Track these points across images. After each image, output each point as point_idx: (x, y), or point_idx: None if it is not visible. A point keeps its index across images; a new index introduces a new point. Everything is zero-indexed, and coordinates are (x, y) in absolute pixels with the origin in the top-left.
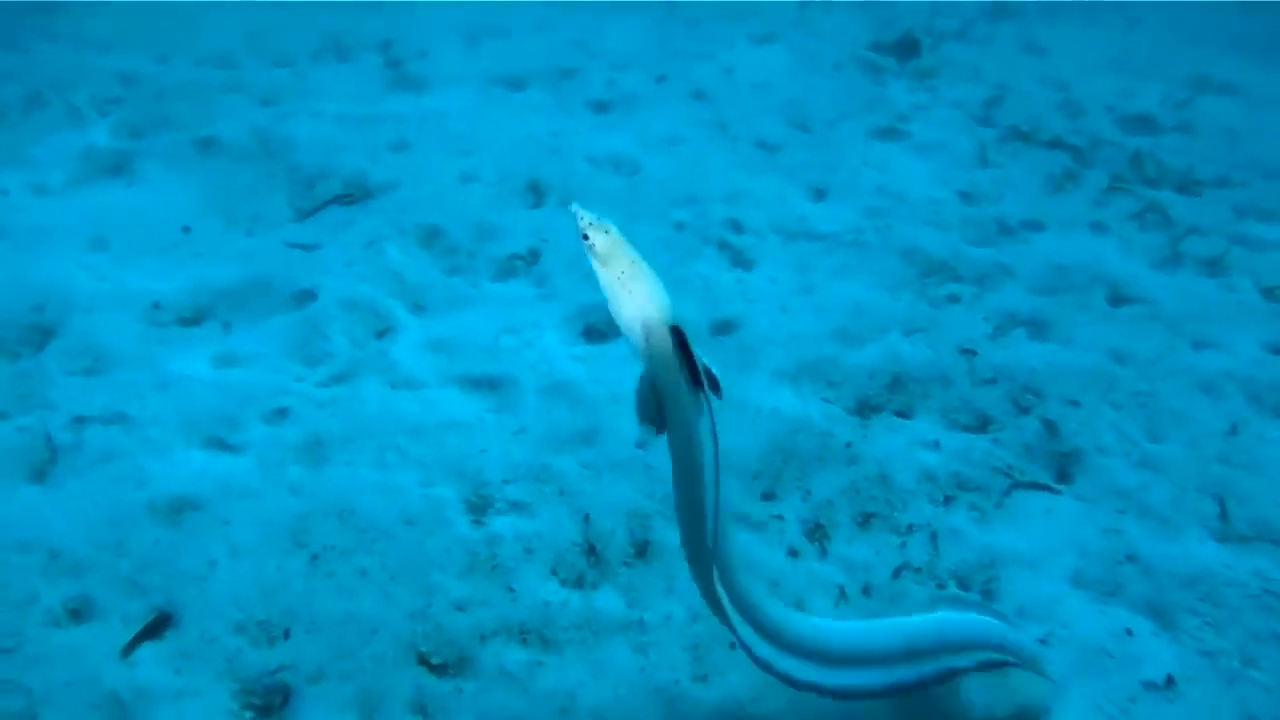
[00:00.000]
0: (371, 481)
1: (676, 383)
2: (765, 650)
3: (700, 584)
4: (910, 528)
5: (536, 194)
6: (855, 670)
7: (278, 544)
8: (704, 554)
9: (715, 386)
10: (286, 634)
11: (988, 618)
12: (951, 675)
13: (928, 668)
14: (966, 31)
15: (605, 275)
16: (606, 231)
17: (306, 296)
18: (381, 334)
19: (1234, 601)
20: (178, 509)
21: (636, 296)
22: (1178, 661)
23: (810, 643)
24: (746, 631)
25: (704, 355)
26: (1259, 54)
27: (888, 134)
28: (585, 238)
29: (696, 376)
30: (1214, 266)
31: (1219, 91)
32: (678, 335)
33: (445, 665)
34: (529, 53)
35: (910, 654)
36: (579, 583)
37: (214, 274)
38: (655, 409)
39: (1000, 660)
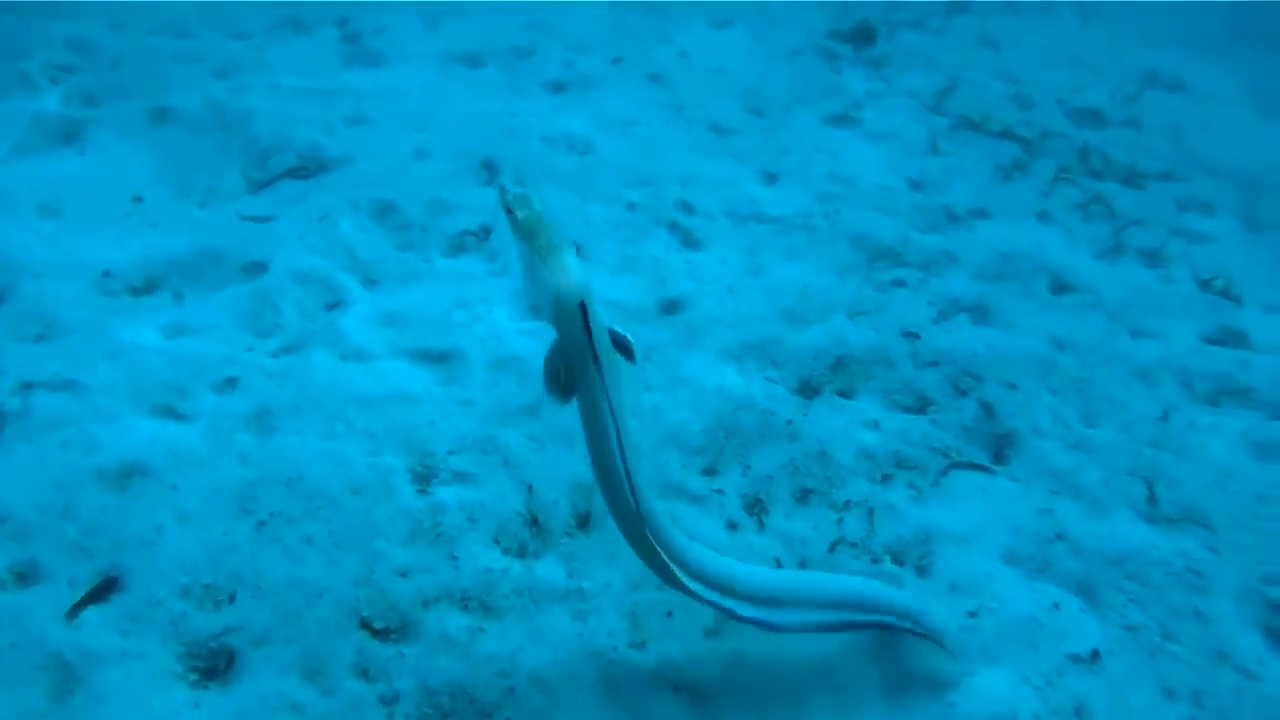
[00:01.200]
0: (319, 450)
1: (582, 356)
2: (692, 584)
3: (627, 534)
4: (848, 504)
5: (490, 171)
6: (767, 608)
7: (225, 510)
8: (626, 509)
9: (628, 353)
10: (232, 598)
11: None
12: (851, 627)
13: (830, 616)
14: (922, 22)
15: (522, 249)
16: (530, 207)
17: (258, 268)
18: (332, 306)
19: (1158, 580)
20: (126, 475)
21: (549, 271)
22: (1102, 636)
23: (729, 581)
24: (675, 569)
25: (618, 325)
26: (1207, 51)
27: (841, 120)
28: (508, 211)
29: (596, 351)
30: (1153, 258)
31: (1167, 88)
32: (583, 310)
33: (388, 630)
34: (487, 32)
35: (818, 602)
36: (521, 552)
37: (166, 244)
38: (562, 380)
39: (903, 627)
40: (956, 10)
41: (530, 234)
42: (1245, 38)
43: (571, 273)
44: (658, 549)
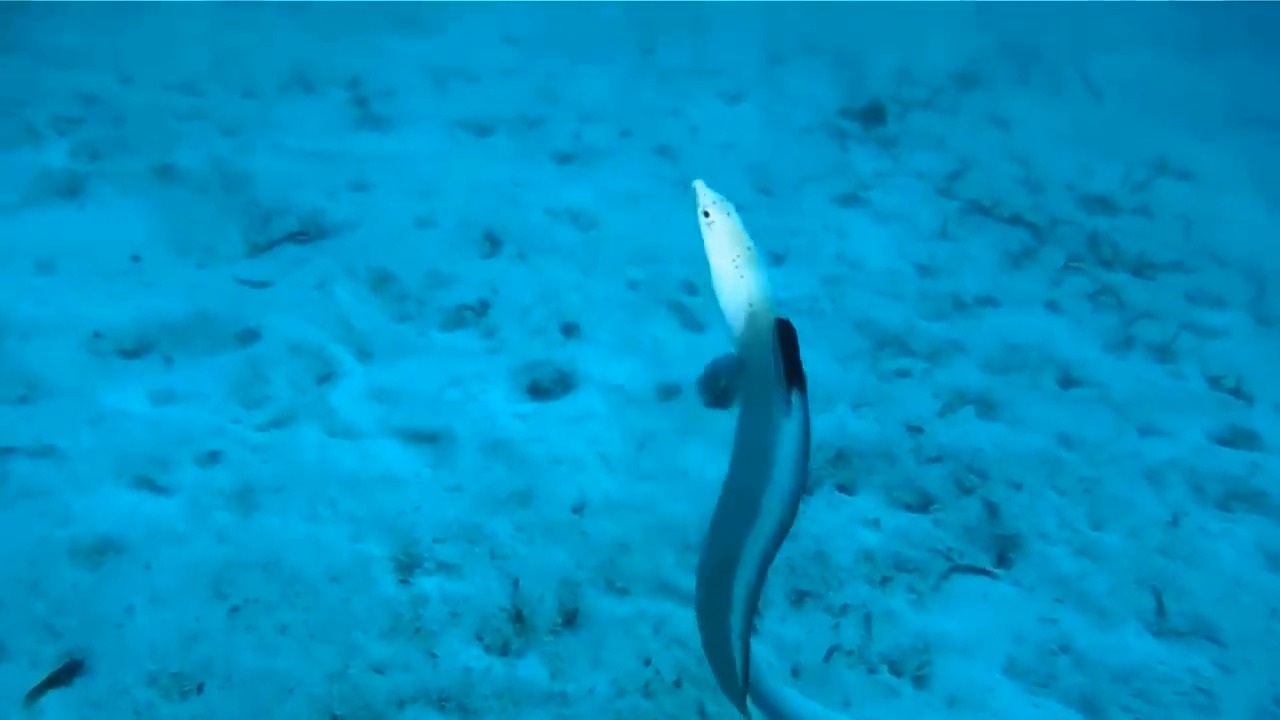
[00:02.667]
0: (301, 533)
1: (767, 373)
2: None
3: (710, 606)
4: (845, 608)
5: (492, 243)
6: None
7: (200, 593)
8: (727, 582)
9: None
10: (200, 688)
11: None
12: None
13: None
14: (934, 101)
15: (719, 257)
16: (729, 213)
17: (251, 336)
18: (324, 379)
19: (1167, 698)
20: (100, 550)
21: (747, 282)
22: None
23: None
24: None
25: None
26: (1215, 133)
27: (850, 201)
28: (705, 214)
29: (795, 374)
30: (1163, 352)
31: (1177, 176)
32: (784, 328)
33: None
34: (497, 98)
35: None
36: (504, 650)
37: (160, 306)
38: (722, 389)
39: None
40: (968, 86)
41: (727, 241)
42: (1243, 122)
43: (768, 289)
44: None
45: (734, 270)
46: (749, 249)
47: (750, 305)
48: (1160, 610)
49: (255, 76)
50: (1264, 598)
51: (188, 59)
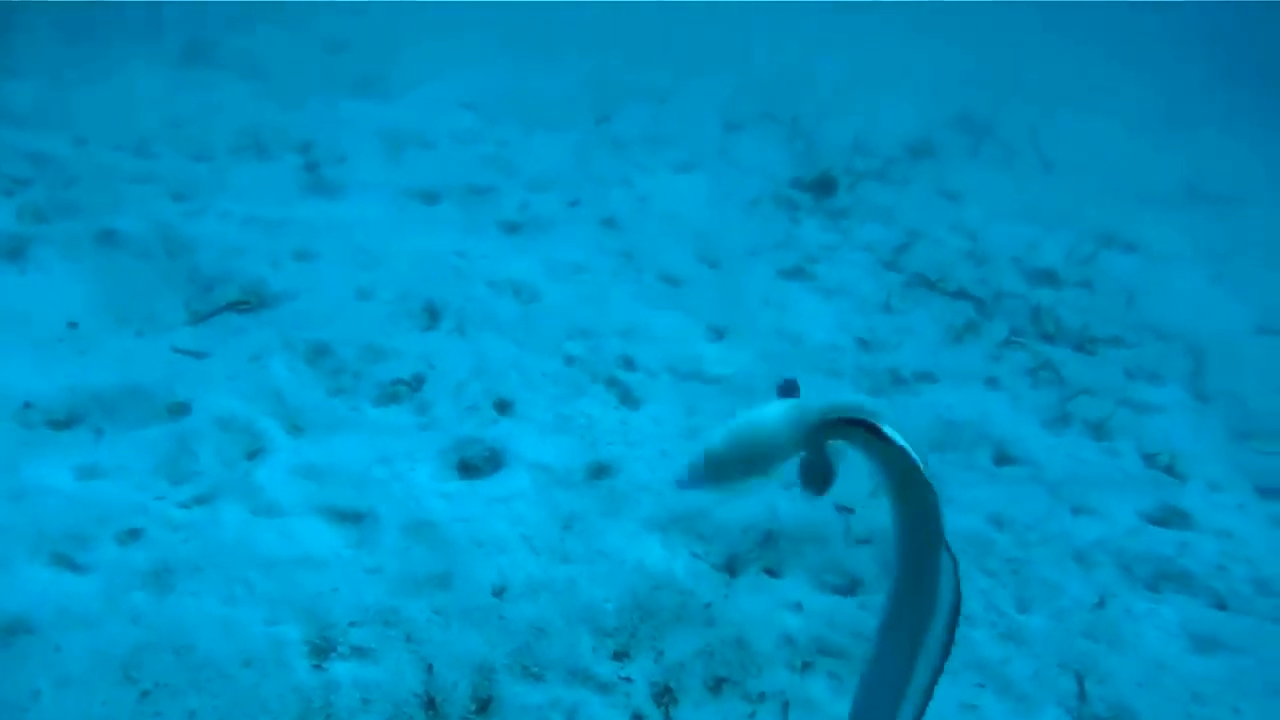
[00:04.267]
0: (216, 615)
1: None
2: None
3: None
4: (762, 695)
5: (431, 316)
6: None
7: (109, 677)
8: None
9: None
10: None
11: None
12: None
13: None
14: (886, 172)
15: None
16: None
17: (183, 409)
18: (253, 455)
19: None
20: (10, 631)
21: None
22: None
23: None
24: None
25: None
26: (1166, 210)
27: (795, 274)
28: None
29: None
30: (1099, 430)
31: (1123, 248)
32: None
33: None
34: (448, 165)
35: None
36: None
37: (94, 376)
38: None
39: None
40: (921, 156)
41: None
42: (1203, 199)
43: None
44: None
45: None
46: None
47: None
48: (1081, 695)
49: (209, 140)
50: (1185, 682)
51: (142, 121)
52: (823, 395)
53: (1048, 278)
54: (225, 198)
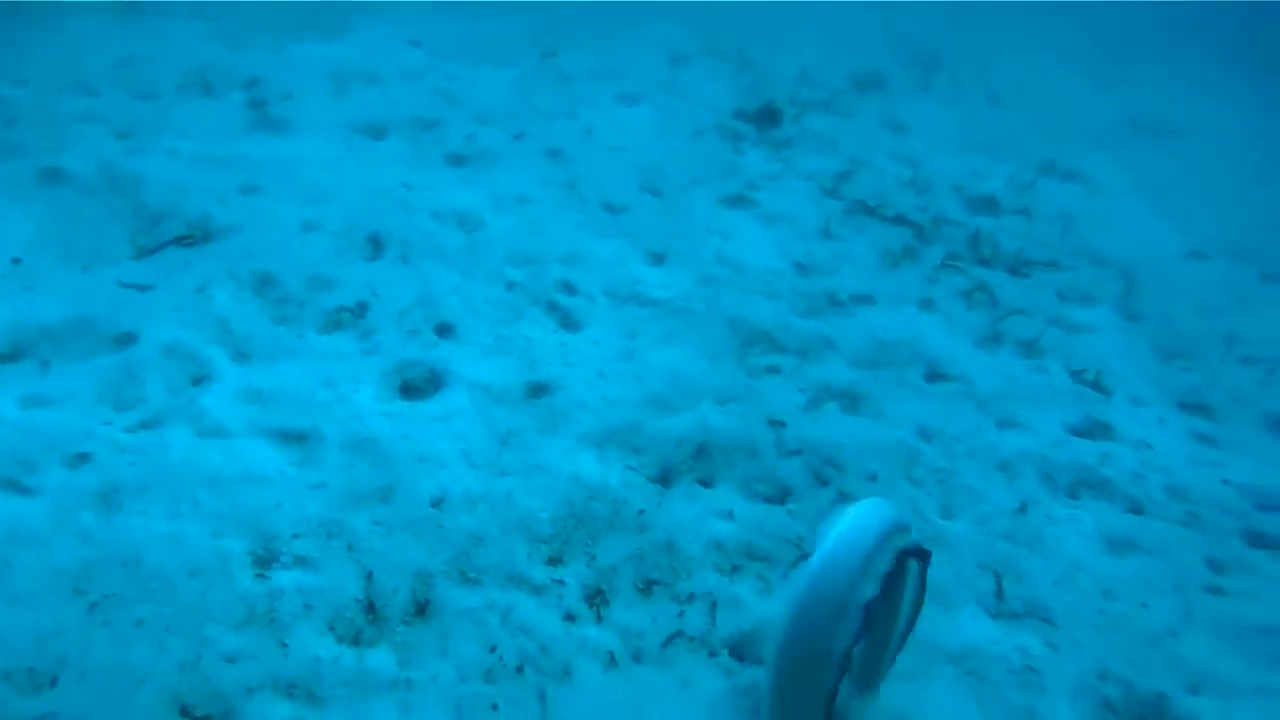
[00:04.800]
0: (162, 532)
1: None
2: None
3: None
4: (691, 596)
5: (376, 247)
6: None
7: (58, 592)
8: None
9: None
10: (54, 682)
11: None
12: None
13: None
14: (832, 103)
15: None
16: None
17: (129, 339)
18: (198, 381)
19: (996, 676)
20: None
21: None
22: None
23: None
24: None
25: None
26: (1110, 145)
27: (736, 202)
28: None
29: None
30: (1030, 348)
31: (1063, 177)
32: None
33: (208, 717)
34: (395, 101)
35: None
36: (355, 640)
37: (40, 310)
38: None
39: None
40: (868, 88)
41: None
42: (1144, 132)
43: None
44: None
45: None
46: None
47: None
48: (999, 593)
49: (154, 79)
50: (1099, 580)
51: (87, 63)
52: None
53: (987, 205)
54: (171, 135)
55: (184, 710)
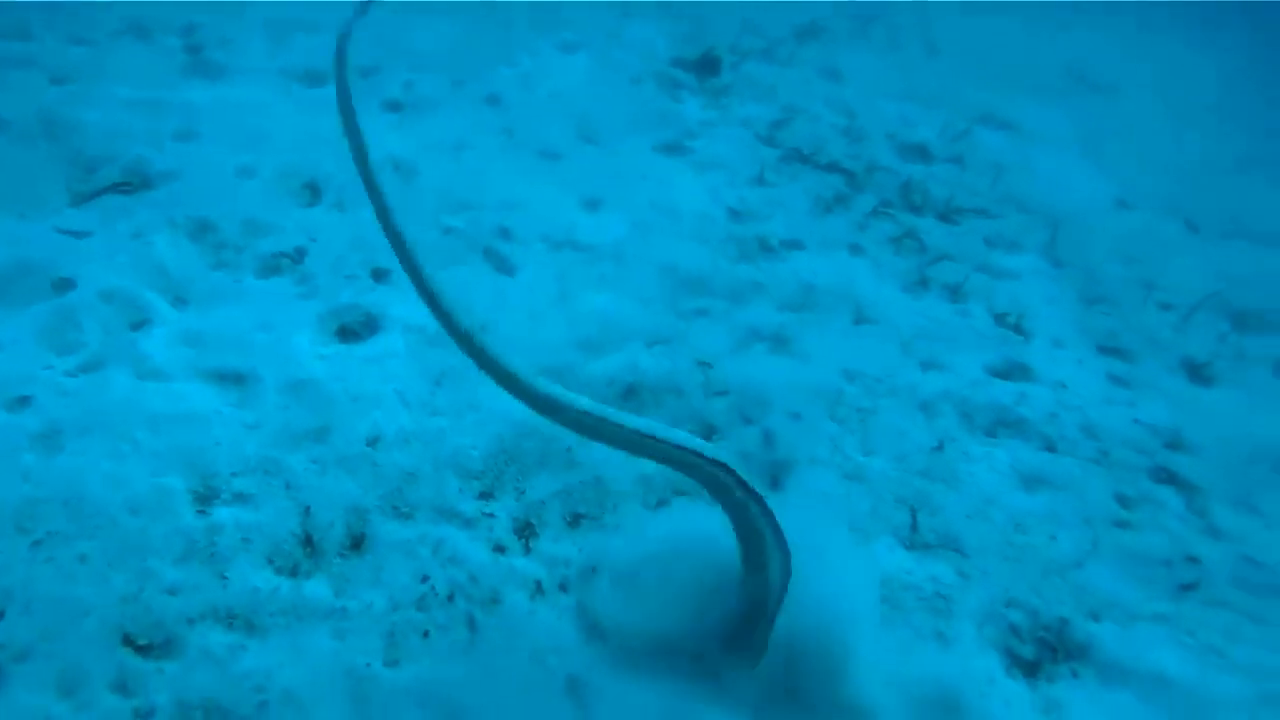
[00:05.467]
0: (103, 471)
1: None
2: None
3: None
4: (618, 528)
5: (313, 193)
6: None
7: (2, 529)
8: None
9: None
10: (1, 615)
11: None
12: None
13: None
14: (771, 52)
15: None
16: None
17: (67, 284)
18: (138, 325)
19: (908, 603)
20: None
21: None
22: None
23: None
24: None
25: None
26: (1047, 93)
27: (672, 149)
28: None
29: None
30: (955, 292)
31: (997, 126)
32: None
33: (150, 646)
34: (333, 49)
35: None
36: (293, 572)
37: None
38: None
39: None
40: (807, 38)
41: None
42: (1081, 85)
43: None
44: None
45: None
46: None
47: None
48: (914, 526)
49: (90, 21)
50: (1010, 514)
51: (19, 8)
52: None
53: (920, 154)
54: (106, 81)
55: (127, 639)
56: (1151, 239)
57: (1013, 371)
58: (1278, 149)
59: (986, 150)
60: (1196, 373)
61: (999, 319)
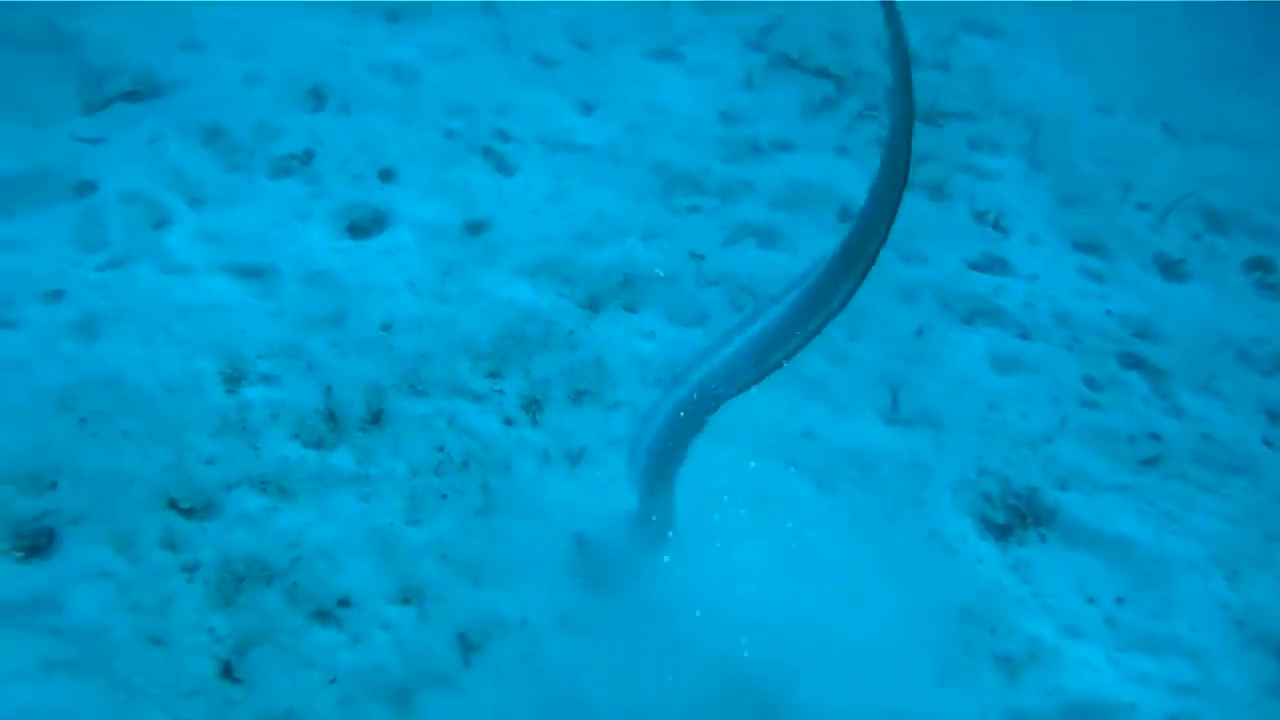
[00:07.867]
0: (138, 355)
1: None
2: None
3: None
4: (617, 403)
5: (317, 98)
6: None
7: (48, 409)
8: None
9: None
10: (54, 485)
11: None
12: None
13: None
14: None
15: None
16: None
17: (88, 187)
18: (158, 225)
19: (886, 471)
20: None
21: None
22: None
23: None
24: None
25: None
26: (1032, 3)
27: (664, 55)
28: None
29: None
30: (938, 191)
31: (984, 33)
32: None
33: (193, 509)
34: None
35: None
36: (318, 444)
37: None
38: None
39: None
40: None
41: None
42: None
43: None
44: None
45: None
46: None
47: None
48: (894, 404)
49: None
50: (985, 394)
51: None
52: None
53: None
54: None
55: (172, 503)
56: (1130, 142)
57: (991, 265)
58: (1257, 56)
59: (972, 56)
60: (1169, 269)
61: (979, 216)
